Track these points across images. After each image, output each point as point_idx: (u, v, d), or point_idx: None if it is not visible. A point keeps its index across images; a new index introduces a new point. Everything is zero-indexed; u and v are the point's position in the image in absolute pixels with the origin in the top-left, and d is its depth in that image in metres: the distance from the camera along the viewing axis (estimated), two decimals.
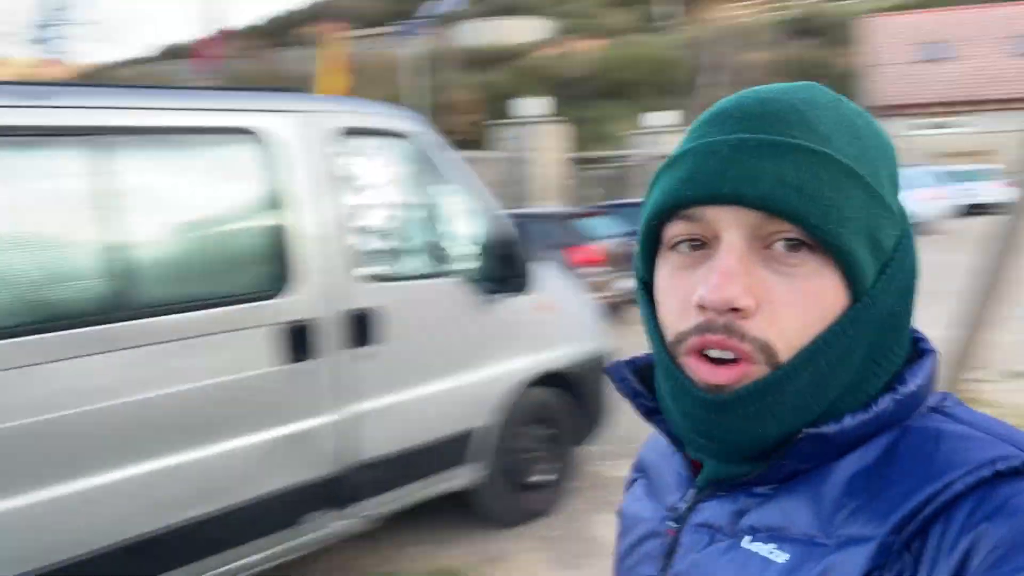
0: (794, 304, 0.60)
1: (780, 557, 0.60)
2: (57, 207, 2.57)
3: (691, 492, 0.70)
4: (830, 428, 0.60)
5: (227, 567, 2.89)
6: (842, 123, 0.63)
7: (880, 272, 0.61)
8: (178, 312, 2.75)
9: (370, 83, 20.23)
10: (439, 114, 20.94)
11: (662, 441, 0.74)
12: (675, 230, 0.64)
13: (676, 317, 0.64)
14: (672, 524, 0.70)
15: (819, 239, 0.59)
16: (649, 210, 0.65)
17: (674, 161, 0.65)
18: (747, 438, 0.62)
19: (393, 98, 17.27)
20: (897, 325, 0.64)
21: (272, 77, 24.43)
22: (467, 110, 28.85)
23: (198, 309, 2.80)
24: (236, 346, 2.88)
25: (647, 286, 0.69)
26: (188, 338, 2.77)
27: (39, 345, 2.46)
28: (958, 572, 0.52)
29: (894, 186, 0.65)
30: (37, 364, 2.45)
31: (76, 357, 2.53)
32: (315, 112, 3.23)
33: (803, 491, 0.61)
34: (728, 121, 0.63)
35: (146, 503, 2.68)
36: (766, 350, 0.60)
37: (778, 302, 0.60)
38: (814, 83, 0.67)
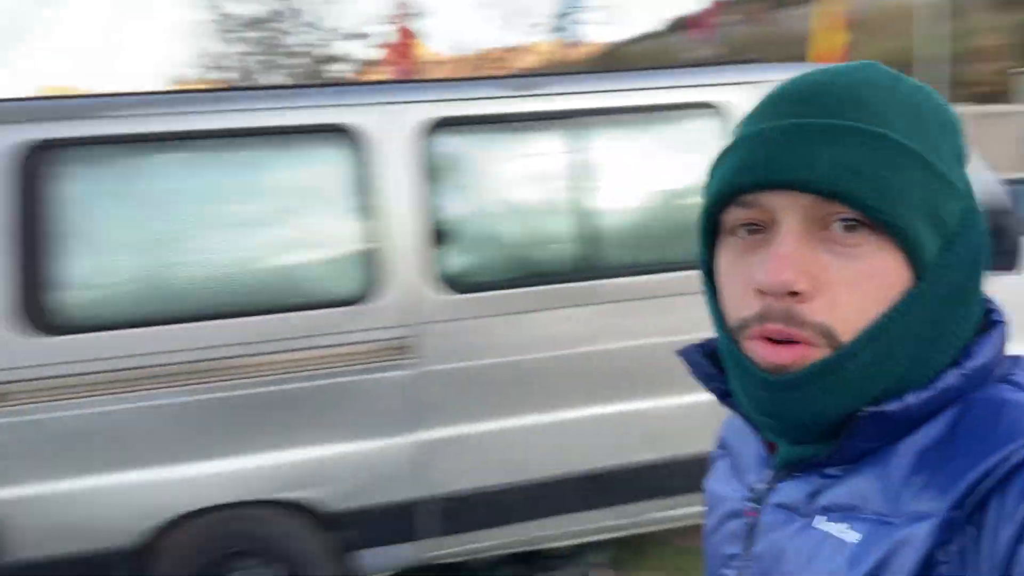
0: (854, 285, 0.60)
1: (852, 536, 0.60)
2: (541, 182, 3.05)
3: (769, 473, 0.71)
4: (892, 406, 0.59)
5: (664, 514, 3.16)
6: (900, 101, 0.62)
7: (943, 248, 0.60)
8: (636, 275, 3.07)
9: (871, 37, 18.71)
10: (960, 64, 18.50)
11: (740, 420, 0.73)
12: (733, 216, 0.65)
13: (737, 303, 0.65)
14: (752, 504, 0.71)
15: (877, 219, 0.58)
16: (707, 198, 0.66)
17: (730, 148, 0.65)
18: (810, 417, 0.62)
19: (902, 50, 15.75)
20: (964, 299, 0.62)
21: (768, 41, 24.09)
22: (995, 57, 24.85)
23: (653, 273, 3.08)
24: (683, 309, 3.09)
25: (709, 271, 0.70)
26: (644, 299, 3.06)
27: (526, 297, 2.99)
28: (1016, 542, 0.52)
29: (959, 161, 0.63)
30: (524, 313, 2.99)
31: (552, 309, 3.01)
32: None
33: (872, 470, 0.61)
34: (782, 105, 0.63)
35: (601, 441, 3.07)
36: (827, 334, 0.60)
37: (837, 283, 0.60)
38: (873, 62, 0.65)
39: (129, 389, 2.71)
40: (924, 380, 0.61)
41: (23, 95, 3.02)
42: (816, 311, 0.60)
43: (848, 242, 0.60)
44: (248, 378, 2.79)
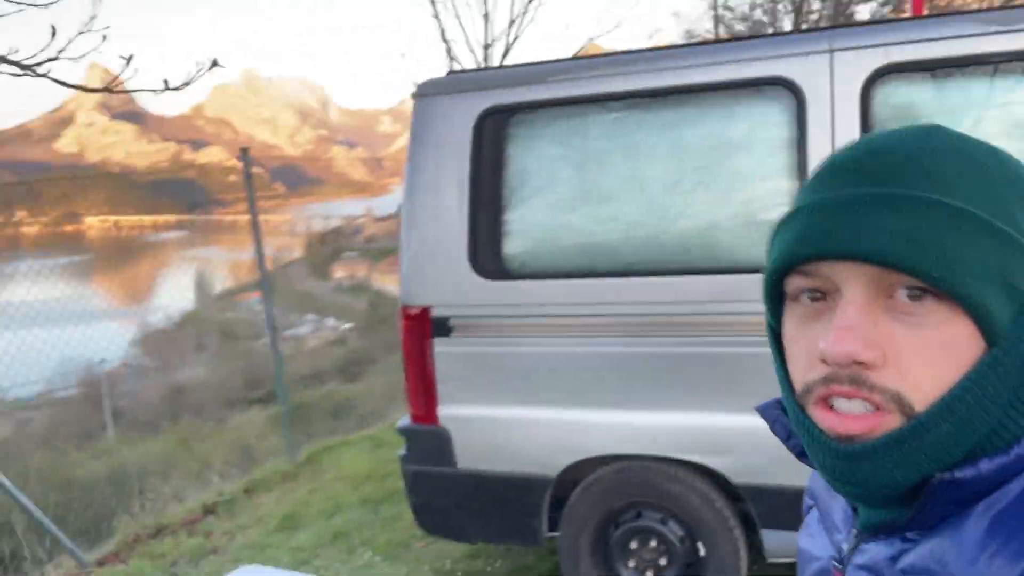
0: (923, 354, 0.59)
1: None
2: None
3: (853, 532, 0.71)
4: (966, 473, 0.59)
5: None
6: (967, 165, 0.60)
7: (1018, 314, 0.59)
8: None
9: None
10: None
11: None
12: (796, 283, 0.64)
13: (803, 368, 0.64)
14: (837, 565, 0.72)
15: (941, 289, 0.57)
16: (768, 265, 0.66)
17: (789, 219, 0.65)
18: (880, 486, 0.62)
19: None
20: None
21: None
22: None
23: None
24: None
25: (776, 334, 0.70)
26: None
27: None
28: None
29: None
30: None
31: None
32: None
33: (950, 534, 0.61)
34: (839, 175, 0.63)
35: None
36: (898, 400, 0.59)
37: (906, 353, 0.59)
38: (936, 125, 0.64)
39: (568, 335, 2.95)
40: (1000, 446, 0.60)
41: (501, 64, 3.40)
42: (886, 378, 0.59)
43: (915, 311, 0.59)
44: (678, 336, 2.83)
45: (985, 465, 0.59)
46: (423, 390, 3.13)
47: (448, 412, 3.13)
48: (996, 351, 0.58)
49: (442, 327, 3.08)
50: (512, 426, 3.07)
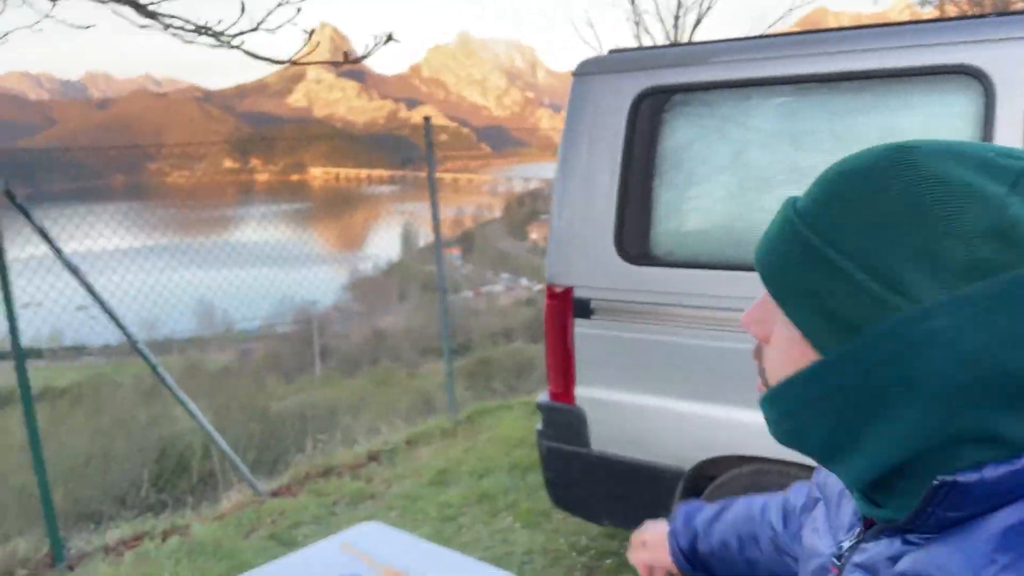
0: (778, 345, 0.70)
1: None
2: None
3: (856, 531, 0.74)
4: (968, 477, 0.59)
5: None
6: (862, 196, 0.62)
7: (842, 342, 0.62)
8: None
9: None
10: None
11: None
12: None
13: None
14: (835, 562, 0.74)
15: (776, 301, 0.68)
16: None
17: None
18: (774, 435, 0.71)
19: None
20: (882, 400, 0.61)
21: None
22: None
23: None
24: None
25: None
26: None
27: None
28: None
29: (920, 266, 0.58)
30: None
31: None
32: None
33: (956, 542, 0.60)
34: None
35: None
36: (763, 375, 0.73)
37: (772, 340, 0.71)
38: (895, 146, 0.64)
39: (710, 327, 2.85)
40: (1002, 456, 0.60)
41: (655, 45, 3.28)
42: (764, 356, 0.73)
43: (779, 311, 0.68)
44: None
45: (989, 472, 0.59)
46: (562, 369, 3.15)
47: (585, 393, 3.13)
48: (816, 364, 0.64)
49: (584, 308, 3.07)
50: (647, 414, 3.02)
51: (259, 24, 3.42)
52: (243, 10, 3.17)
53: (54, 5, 3.44)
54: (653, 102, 2.91)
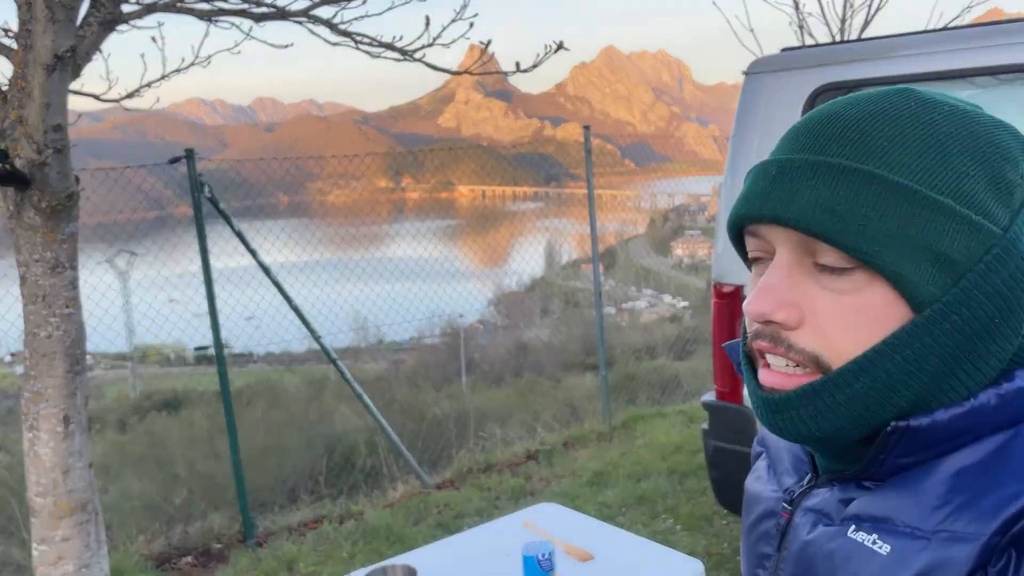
0: (839, 317, 0.61)
1: (882, 548, 0.60)
2: None
3: (808, 477, 0.72)
4: (920, 421, 0.60)
5: None
6: (917, 134, 0.60)
7: (951, 285, 0.58)
8: None
9: None
10: None
11: None
12: (749, 243, 0.68)
13: (747, 321, 0.67)
14: (786, 506, 0.72)
15: (856, 257, 0.59)
16: (727, 224, 0.68)
17: (747, 176, 0.67)
18: (800, 436, 0.63)
19: None
20: (991, 334, 0.59)
21: None
22: None
23: None
24: None
25: None
26: None
27: None
28: None
29: (996, 193, 0.59)
30: None
31: None
32: None
33: (908, 485, 0.61)
34: (793, 139, 0.65)
35: None
36: (816, 361, 0.62)
37: (823, 316, 0.61)
38: (907, 89, 0.64)
39: None
40: (956, 399, 0.60)
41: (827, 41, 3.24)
42: (803, 338, 0.62)
43: (833, 275, 0.61)
44: None
45: (940, 415, 0.59)
46: (729, 368, 3.15)
47: None
48: (919, 319, 0.59)
49: None
50: None
51: (435, 39, 3.66)
52: (428, 24, 3.40)
53: (251, 28, 3.80)
54: (830, 99, 2.88)
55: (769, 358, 0.65)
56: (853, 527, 0.63)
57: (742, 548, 0.82)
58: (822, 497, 0.68)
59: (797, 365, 0.63)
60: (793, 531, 0.70)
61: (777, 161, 0.64)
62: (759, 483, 0.81)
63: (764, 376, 0.66)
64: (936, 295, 0.59)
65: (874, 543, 0.60)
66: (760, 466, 0.84)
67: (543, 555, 1.96)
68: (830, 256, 0.60)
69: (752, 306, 0.63)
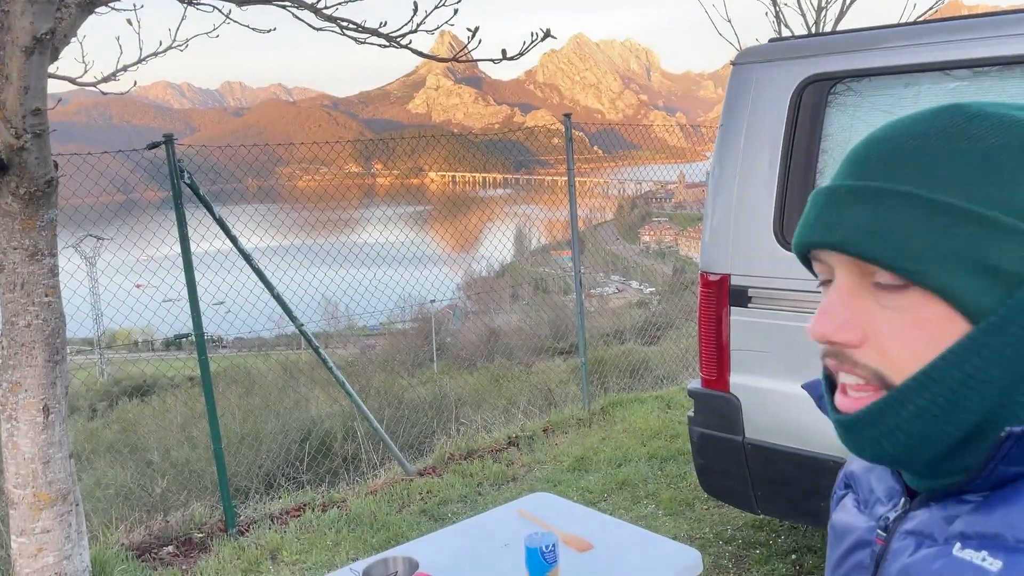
0: (899, 334, 0.62)
1: (993, 564, 0.58)
2: None
3: (902, 501, 0.71)
4: None
5: None
6: (962, 148, 0.61)
7: (1006, 295, 0.59)
8: None
9: None
10: None
11: None
12: (815, 267, 0.69)
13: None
14: (881, 533, 0.71)
15: (904, 277, 0.60)
16: (793, 247, 0.70)
17: (806, 204, 0.69)
18: (876, 456, 0.64)
19: None
20: None
21: None
22: None
23: None
24: None
25: None
26: None
27: None
28: None
29: None
30: None
31: None
32: None
33: (1017, 497, 0.59)
34: (846, 164, 0.67)
35: None
36: (880, 378, 0.63)
37: (883, 334, 0.63)
38: (952, 106, 0.64)
39: None
40: None
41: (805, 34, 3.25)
42: (866, 356, 0.63)
43: (892, 294, 0.62)
44: None
45: None
46: (716, 356, 3.18)
47: (740, 381, 3.15)
48: (975, 331, 0.59)
49: (740, 296, 3.09)
50: (806, 403, 3.00)
51: (419, 25, 3.63)
52: (415, 10, 3.37)
53: (230, 10, 3.73)
54: (817, 89, 2.91)
55: (840, 376, 0.67)
56: (959, 545, 0.62)
57: None
58: (921, 519, 0.67)
59: (866, 382, 0.64)
60: (890, 556, 0.68)
61: (827, 188, 0.66)
62: (848, 515, 0.80)
63: (838, 400, 0.67)
64: (992, 307, 0.59)
65: (983, 560, 0.59)
66: (847, 502, 0.83)
67: (546, 547, 1.97)
68: (884, 275, 0.62)
69: (814, 328, 0.66)
